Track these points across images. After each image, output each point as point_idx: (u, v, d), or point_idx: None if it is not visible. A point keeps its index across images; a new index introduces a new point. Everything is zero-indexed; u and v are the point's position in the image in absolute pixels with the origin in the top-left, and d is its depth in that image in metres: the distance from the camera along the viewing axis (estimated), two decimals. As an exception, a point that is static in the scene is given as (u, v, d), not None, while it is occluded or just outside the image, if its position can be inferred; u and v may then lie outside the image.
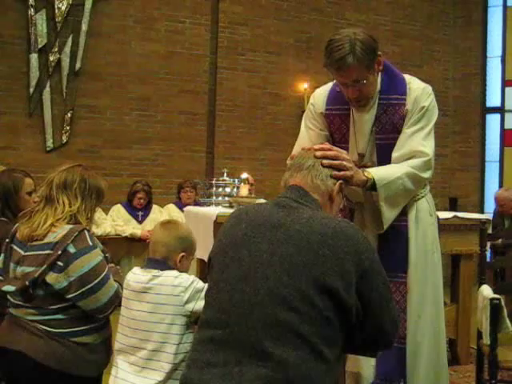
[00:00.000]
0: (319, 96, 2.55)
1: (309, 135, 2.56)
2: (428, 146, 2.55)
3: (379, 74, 2.41)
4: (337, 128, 2.51)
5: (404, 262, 2.41)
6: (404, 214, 2.44)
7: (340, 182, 1.85)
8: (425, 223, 2.53)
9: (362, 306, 1.59)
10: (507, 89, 9.28)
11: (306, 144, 2.37)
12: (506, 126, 9.30)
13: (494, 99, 9.38)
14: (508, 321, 3.04)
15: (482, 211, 8.92)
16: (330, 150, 2.01)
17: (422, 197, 2.58)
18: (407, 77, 2.50)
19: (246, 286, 1.57)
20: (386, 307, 1.65)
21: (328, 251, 1.55)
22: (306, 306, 1.50)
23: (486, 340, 3.08)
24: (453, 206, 8.69)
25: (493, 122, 9.40)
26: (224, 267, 1.65)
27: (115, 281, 2.35)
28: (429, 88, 2.54)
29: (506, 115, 9.30)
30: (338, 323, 1.53)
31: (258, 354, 1.47)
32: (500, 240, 6.59)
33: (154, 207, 6.66)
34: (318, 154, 1.93)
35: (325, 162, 1.90)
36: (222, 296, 1.60)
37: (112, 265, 2.51)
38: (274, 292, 1.52)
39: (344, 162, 2.01)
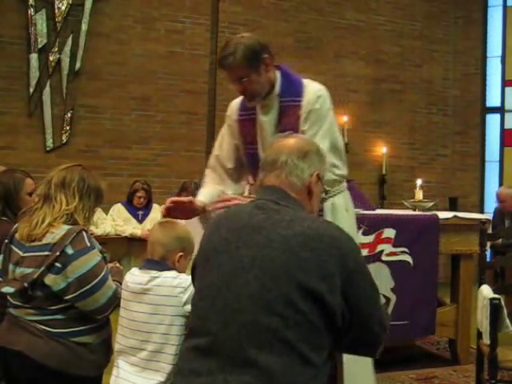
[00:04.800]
0: (233, 106, 2.84)
1: (221, 145, 2.83)
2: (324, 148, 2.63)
3: (279, 78, 2.62)
4: (248, 131, 2.73)
5: None
6: (320, 209, 2.50)
7: (317, 172, 1.76)
8: (340, 218, 2.63)
9: (348, 308, 1.54)
10: (507, 89, 9.29)
11: (218, 152, 2.81)
12: (506, 126, 9.30)
13: (494, 99, 9.38)
14: (508, 321, 3.04)
15: (482, 211, 8.92)
16: (230, 200, 2.29)
17: (338, 193, 2.70)
18: (306, 81, 2.66)
19: (227, 293, 1.53)
20: (374, 308, 1.62)
21: (310, 254, 1.51)
22: (289, 311, 1.47)
23: (486, 340, 3.08)
24: (453, 206, 8.69)
25: (493, 122, 9.40)
26: (206, 274, 1.62)
27: (115, 281, 2.35)
28: (322, 91, 2.62)
29: (506, 115, 9.30)
30: (323, 326, 1.50)
31: (241, 362, 1.44)
32: (500, 240, 6.58)
33: (155, 206, 6.66)
34: (219, 206, 2.24)
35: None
36: (204, 303, 1.58)
37: (112, 264, 2.51)
38: (256, 297, 1.49)
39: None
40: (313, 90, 2.61)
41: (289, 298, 1.47)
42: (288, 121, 2.57)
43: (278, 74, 2.62)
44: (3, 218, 2.85)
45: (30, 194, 2.90)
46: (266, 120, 2.63)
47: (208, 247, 1.67)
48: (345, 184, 2.77)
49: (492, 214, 7.34)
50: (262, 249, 1.54)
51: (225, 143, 2.82)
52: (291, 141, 1.79)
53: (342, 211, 2.67)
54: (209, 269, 1.61)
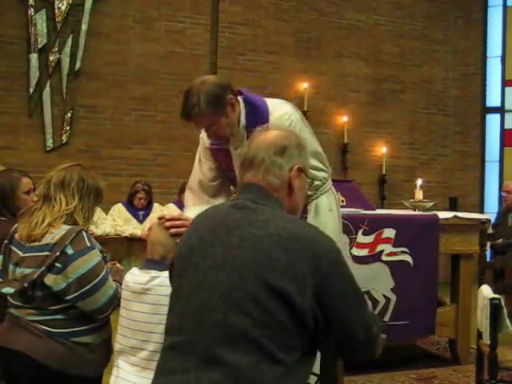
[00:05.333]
0: (204, 133, 2.75)
1: (201, 169, 2.81)
2: None
3: (243, 108, 2.59)
4: (222, 159, 2.74)
5: None
6: (304, 212, 2.53)
7: (298, 166, 1.69)
8: (323, 218, 2.66)
9: (321, 310, 1.50)
10: (507, 89, 9.29)
11: (201, 176, 2.77)
12: (506, 126, 9.31)
13: (494, 99, 9.39)
14: (508, 321, 3.04)
15: (482, 211, 8.93)
16: (178, 219, 2.28)
17: (322, 194, 2.71)
18: (271, 106, 2.62)
19: (200, 291, 1.54)
20: (355, 314, 1.55)
21: (281, 254, 1.49)
22: (258, 310, 1.46)
23: (486, 340, 3.08)
24: (453, 205, 8.70)
25: (493, 121, 9.40)
26: (182, 273, 1.63)
27: (115, 281, 2.35)
28: (287, 115, 2.59)
29: (506, 115, 9.31)
30: (293, 327, 1.48)
31: (211, 360, 1.45)
32: (500, 240, 6.59)
33: (155, 206, 6.66)
34: (167, 224, 2.25)
35: (172, 231, 2.22)
36: (180, 302, 1.59)
37: (113, 263, 2.51)
38: (226, 296, 1.49)
39: None
40: (279, 115, 2.57)
41: (256, 297, 1.46)
42: None
43: (241, 105, 2.59)
44: (1, 218, 2.84)
45: (28, 193, 2.90)
46: (238, 152, 2.59)
47: (185, 246, 1.67)
48: (329, 183, 2.77)
49: (495, 215, 7.36)
50: (235, 248, 1.53)
51: (204, 166, 2.80)
52: (270, 135, 1.73)
53: (325, 211, 2.68)
54: (185, 268, 1.62)
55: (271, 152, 1.68)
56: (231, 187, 2.84)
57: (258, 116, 2.57)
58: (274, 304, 1.46)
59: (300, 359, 1.51)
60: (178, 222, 2.26)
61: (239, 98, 2.59)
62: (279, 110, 2.61)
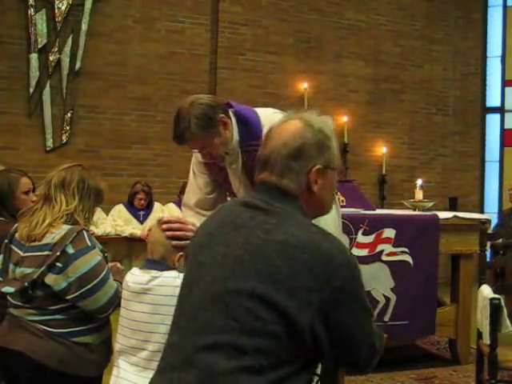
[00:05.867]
0: None
1: (197, 182, 2.77)
2: None
3: (235, 124, 2.55)
4: (217, 174, 2.71)
5: None
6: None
7: (318, 167, 1.53)
8: (324, 217, 2.64)
9: (325, 329, 1.38)
10: (507, 89, 9.29)
11: (197, 191, 2.74)
12: (506, 126, 9.31)
13: (494, 99, 9.39)
14: (508, 321, 3.04)
15: (482, 211, 8.93)
16: (175, 222, 2.24)
17: None
18: (263, 117, 2.56)
19: (197, 290, 1.47)
20: (362, 334, 1.46)
21: (284, 263, 1.38)
22: (248, 317, 1.36)
23: (486, 340, 3.08)
24: (453, 205, 8.70)
25: (493, 121, 9.40)
26: (189, 269, 1.57)
27: (116, 280, 2.35)
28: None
29: (506, 115, 9.31)
30: (287, 340, 1.36)
31: (191, 360, 1.39)
32: (500, 240, 6.59)
33: (156, 205, 6.66)
34: (164, 226, 2.19)
35: (168, 233, 2.18)
36: (181, 300, 1.55)
37: (114, 263, 2.51)
38: (217, 298, 1.41)
39: (187, 233, 2.16)
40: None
41: (248, 304, 1.37)
42: (253, 163, 2.54)
43: (233, 121, 2.55)
44: (1, 219, 2.84)
45: (27, 193, 2.89)
46: (233, 167, 2.60)
47: (194, 241, 1.62)
48: None
49: (495, 215, 7.36)
50: (237, 249, 1.44)
51: (200, 180, 2.76)
52: (285, 132, 1.56)
53: None
54: (192, 264, 1.56)
55: (284, 155, 1.53)
56: (228, 198, 2.82)
57: (250, 132, 2.54)
58: (266, 313, 1.36)
59: (287, 374, 1.38)
60: (175, 226, 2.24)
61: (230, 112, 2.55)
62: (270, 120, 2.60)
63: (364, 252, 4.13)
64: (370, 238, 4.15)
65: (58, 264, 2.20)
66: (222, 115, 2.48)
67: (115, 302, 2.30)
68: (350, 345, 1.45)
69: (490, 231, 4.52)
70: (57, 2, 7.10)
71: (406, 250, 4.25)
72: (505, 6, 9.37)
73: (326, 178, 1.56)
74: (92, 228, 5.21)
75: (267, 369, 1.35)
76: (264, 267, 1.39)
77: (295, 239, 1.41)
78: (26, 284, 2.20)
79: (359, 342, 1.46)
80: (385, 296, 4.17)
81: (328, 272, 1.38)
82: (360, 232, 4.13)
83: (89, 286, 2.21)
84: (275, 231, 1.43)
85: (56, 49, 7.12)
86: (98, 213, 6.06)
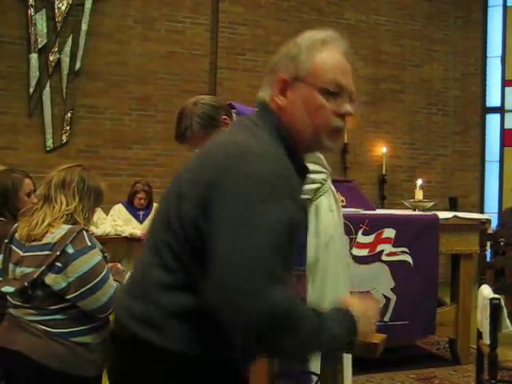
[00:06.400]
0: None
1: None
2: None
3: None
4: None
5: (304, 253, 2.55)
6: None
7: (281, 76, 1.45)
8: (324, 217, 2.66)
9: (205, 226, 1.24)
10: (507, 89, 9.29)
11: None
12: (506, 126, 9.31)
13: (493, 99, 9.39)
14: (508, 321, 3.04)
15: (482, 211, 8.93)
16: None
17: (321, 195, 2.71)
18: None
19: (156, 216, 1.45)
20: (228, 236, 1.19)
21: (197, 165, 1.34)
22: (165, 216, 1.36)
23: (486, 340, 3.08)
24: (453, 205, 8.70)
25: (493, 121, 9.41)
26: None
27: (116, 280, 2.35)
28: None
29: (506, 115, 9.31)
30: (180, 235, 1.31)
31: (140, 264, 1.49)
32: (502, 240, 6.57)
33: (156, 205, 6.64)
34: None
35: None
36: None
37: (114, 264, 2.51)
38: (159, 217, 1.41)
39: None
40: None
41: (171, 204, 1.34)
42: None
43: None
44: (1, 219, 2.84)
45: (29, 195, 2.89)
46: None
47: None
48: (329, 183, 2.76)
49: (497, 214, 7.35)
50: (188, 169, 1.38)
51: None
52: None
53: (325, 212, 2.68)
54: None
55: (269, 69, 1.52)
56: None
57: None
58: (182, 229, 1.30)
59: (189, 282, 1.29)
60: None
61: (233, 113, 2.58)
62: None
63: (364, 252, 4.13)
64: (369, 238, 4.15)
65: (58, 264, 2.20)
66: (225, 116, 2.50)
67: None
68: (210, 254, 1.21)
69: (490, 231, 4.51)
70: (57, 2, 7.10)
71: (406, 250, 4.25)
72: (505, 6, 9.38)
73: (294, 91, 1.42)
74: (92, 228, 5.22)
75: (173, 268, 1.32)
76: (191, 170, 1.36)
77: (214, 144, 1.39)
78: (26, 284, 2.20)
79: (219, 246, 1.19)
80: (385, 296, 4.17)
81: (211, 163, 1.29)
82: (360, 232, 4.13)
83: (89, 286, 2.21)
84: (209, 145, 1.41)
85: (56, 49, 7.12)
86: (98, 213, 6.06)
